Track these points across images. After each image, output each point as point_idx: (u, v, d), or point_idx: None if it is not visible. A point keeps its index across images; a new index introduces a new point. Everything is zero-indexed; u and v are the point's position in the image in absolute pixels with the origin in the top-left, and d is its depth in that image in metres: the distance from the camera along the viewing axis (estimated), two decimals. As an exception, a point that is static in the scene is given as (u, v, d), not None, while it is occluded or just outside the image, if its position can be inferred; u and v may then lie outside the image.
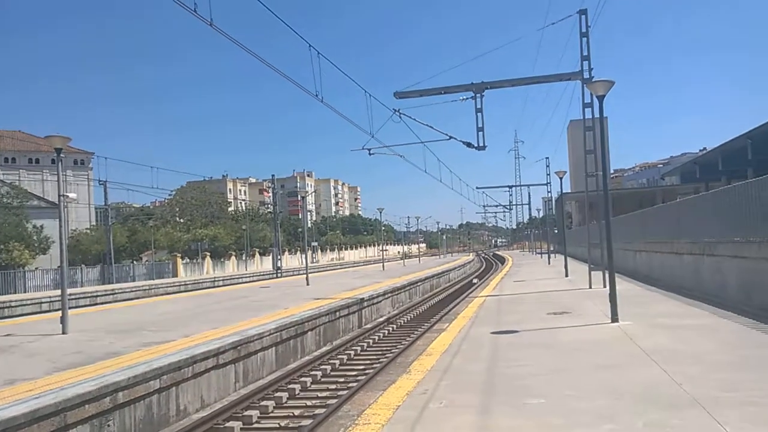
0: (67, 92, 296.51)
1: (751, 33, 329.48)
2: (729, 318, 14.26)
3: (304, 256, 50.23)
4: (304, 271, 40.09)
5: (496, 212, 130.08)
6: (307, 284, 35.12)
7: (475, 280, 47.29)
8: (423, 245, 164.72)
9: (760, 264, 15.87)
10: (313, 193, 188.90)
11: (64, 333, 16.74)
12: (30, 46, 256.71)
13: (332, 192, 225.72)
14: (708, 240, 19.89)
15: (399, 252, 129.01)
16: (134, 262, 74.70)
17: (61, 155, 17.26)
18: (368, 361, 16.72)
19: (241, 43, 16.27)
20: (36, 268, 56.55)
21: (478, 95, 24.89)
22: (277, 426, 11.08)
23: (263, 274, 71.37)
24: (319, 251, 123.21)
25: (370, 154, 29.71)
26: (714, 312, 15.40)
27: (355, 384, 13.58)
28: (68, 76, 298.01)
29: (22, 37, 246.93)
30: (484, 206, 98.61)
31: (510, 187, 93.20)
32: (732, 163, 41.34)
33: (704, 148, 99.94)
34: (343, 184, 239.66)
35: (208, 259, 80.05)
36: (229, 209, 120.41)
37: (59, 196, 18.05)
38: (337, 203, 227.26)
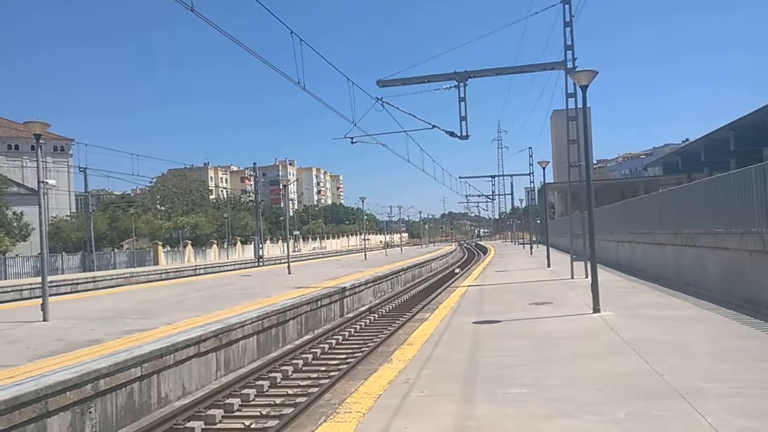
0: (43, 72, 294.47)
1: (745, 32, 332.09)
2: (710, 309, 14.33)
3: (285, 244, 50.10)
4: (286, 260, 40.01)
5: (478, 202, 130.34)
6: (289, 273, 35.08)
7: (457, 270, 47.38)
8: (405, 235, 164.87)
9: (741, 255, 15.98)
10: (295, 182, 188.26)
11: (44, 320, 16.63)
12: (6, 25, 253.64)
13: (314, 181, 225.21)
14: (690, 231, 20.00)
15: (381, 241, 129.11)
16: (115, 249, 74.29)
17: (41, 141, 17.06)
18: (350, 350, 16.71)
19: (224, 30, 16.13)
20: (16, 255, 56.14)
21: (462, 84, 24.88)
22: (259, 414, 11.04)
23: (245, 263, 71.23)
24: (301, 240, 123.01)
25: (352, 142, 29.71)
26: (696, 303, 15.47)
27: (336, 373, 13.57)
28: (44, 55, 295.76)
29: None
30: (466, 196, 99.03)
31: (493, 177, 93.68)
32: (715, 154, 41.58)
33: (687, 139, 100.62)
34: (326, 172, 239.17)
35: (189, 247, 79.69)
36: (211, 197, 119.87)
37: (39, 182, 17.87)
38: (319, 192, 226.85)
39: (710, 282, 18.40)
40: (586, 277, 20.65)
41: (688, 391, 7.49)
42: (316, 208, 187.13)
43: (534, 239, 66.91)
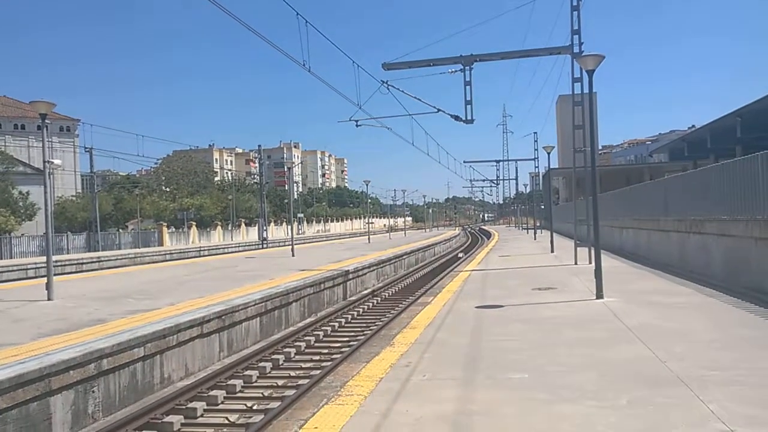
0: (49, 50, 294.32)
1: (745, 20, 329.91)
2: (714, 296, 14.32)
3: (290, 227, 50.14)
4: (290, 243, 40.05)
5: (483, 187, 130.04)
6: (293, 255, 35.13)
7: (460, 255, 47.38)
8: (409, 219, 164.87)
9: (746, 242, 15.92)
10: (300, 165, 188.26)
11: (49, 299, 16.69)
12: (13, 4, 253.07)
13: (319, 163, 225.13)
14: (695, 218, 19.93)
15: (385, 225, 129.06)
16: (120, 230, 74.47)
17: (47, 121, 17.07)
18: (352, 333, 16.74)
19: (229, 10, 16.05)
20: (22, 235, 56.29)
21: (467, 68, 24.78)
22: (261, 395, 11.08)
23: (249, 245, 71.33)
24: (305, 223, 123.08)
25: (357, 125, 29.63)
26: (699, 290, 15.45)
27: (338, 356, 13.61)
28: (50, 34, 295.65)
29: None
30: (471, 180, 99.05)
31: (497, 161, 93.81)
32: (721, 141, 41.41)
33: (693, 126, 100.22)
34: (330, 155, 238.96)
35: (194, 228, 79.79)
36: (216, 179, 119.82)
37: (44, 162, 17.87)
38: (323, 175, 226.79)
39: (714, 269, 18.35)
40: (590, 262, 20.62)
41: (691, 378, 7.48)
42: (321, 191, 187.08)
43: (538, 224, 66.74)
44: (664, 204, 24.08)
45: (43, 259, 22.93)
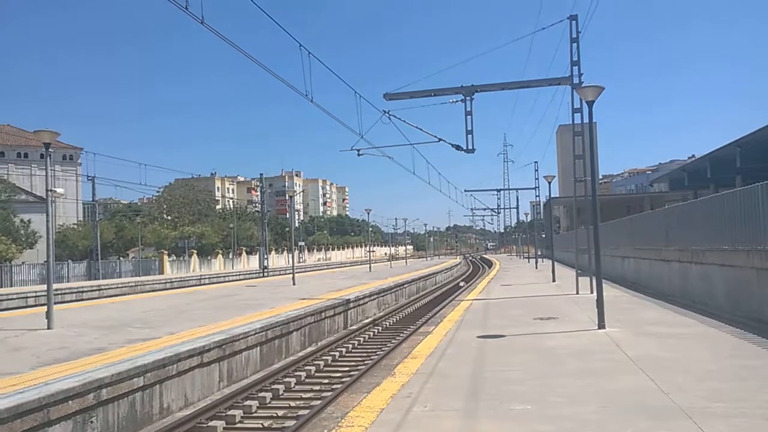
0: (52, 80, 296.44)
1: (749, 47, 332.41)
2: (716, 327, 14.26)
3: (291, 255, 50.11)
4: (291, 271, 39.99)
5: (484, 216, 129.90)
6: (294, 284, 35.05)
7: (461, 283, 47.27)
8: (410, 247, 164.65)
9: (747, 273, 15.91)
10: (301, 193, 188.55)
11: (49, 328, 16.64)
12: (10, 30, 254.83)
13: (320, 192, 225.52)
14: (696, 248, 19.94)
15: (386, 253, 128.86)
16: (121, 258, 74.33)
17: (50, 150, 17.15)
18: (353, 363, 16.65)
19: (232, 41, 16.18)
20: (23, 263, 56.15)
21: (468, 98, 24.93)
22: (261, 426, 11.00)
23: (250, 273, 71.19)
24: (306, 251, 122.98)
25: (359, 154, 29.71)
26: (702, 320, 15.39)
27: (339, 386, 13.52)
28: (53, 63, 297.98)
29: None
30: (472, 209, 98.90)
31: (498, 190, 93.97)
32: (721, 171, 41.49)
33: (693, 156, 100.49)
34: (332, 184, 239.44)
35: (194, 256, 79.73)
36: (217, 207, 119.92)
37: (47, 190, 17.93)
38: (324, 203, 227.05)
39: (716, 299, 18.32)
40: (592, 292, 20.58)
41: (694, 410, 7.43)
42: (322, 219, 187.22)
43: (539, 253, 66.72)
44: (665, 233, 24.10)
45: (44, 287, 22.89)
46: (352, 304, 24.41)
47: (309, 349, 18.53)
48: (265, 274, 67.02)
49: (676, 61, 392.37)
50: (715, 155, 40.94)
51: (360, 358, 17.28)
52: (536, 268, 52.19)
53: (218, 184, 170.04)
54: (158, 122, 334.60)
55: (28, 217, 60.11)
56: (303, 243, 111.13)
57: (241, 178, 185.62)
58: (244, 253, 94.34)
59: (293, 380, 14.27)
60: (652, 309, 18.60)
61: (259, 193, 76.51)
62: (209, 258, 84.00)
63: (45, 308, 17.50)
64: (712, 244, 18.60)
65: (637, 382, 9.10)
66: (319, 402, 12.10)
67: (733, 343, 12.12)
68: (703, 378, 9.18)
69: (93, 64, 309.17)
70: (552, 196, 66.10)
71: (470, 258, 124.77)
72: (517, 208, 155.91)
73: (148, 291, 45.63)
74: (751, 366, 9.97)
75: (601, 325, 14.46)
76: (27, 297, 38.98)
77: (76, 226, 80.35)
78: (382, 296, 30.19)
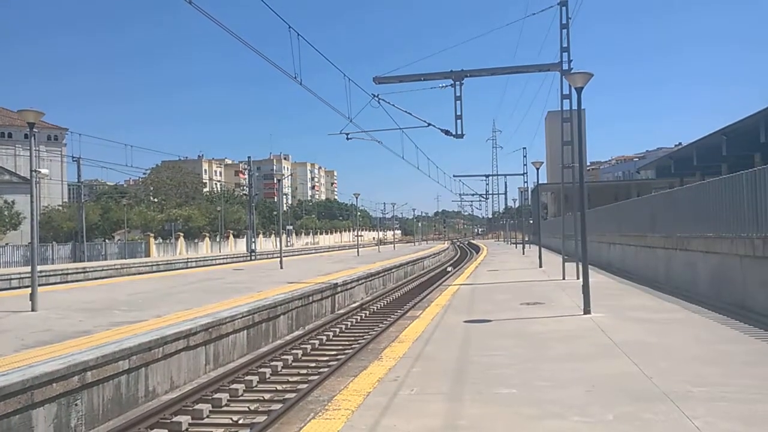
0: (37, 60, 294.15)
1: (743, 28, 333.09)
2: (700, 312, 14.37)
3: (278, 239, 50.07)
4: (279, 255, 39.98)
5: (472, 201, 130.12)
6: (281, 268, 35.03)
7: (449, 269, 47.39)
8: (398, 232, 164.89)
9: (731, 260, 16.02)
10: (290, 177, 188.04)
11: (33, 310, 16.56)
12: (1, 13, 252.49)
13: (309, 176, 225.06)
14: (681, 235, 20.04)
15: (374, 238, 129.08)
16: (106, 240, 74.06)
17: (35, 130, 16.97)
18: (340, 347, 16.68)
19: (220, 21, 16.06)
20: (6, 244, 55.90)
21: (458, 83, 24.87)
22: (247, 409, 11.00)
23: (237, 257, 71.14)
24: (294, 235, 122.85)
25: (348, 138, 29.65)
26: (686, 306, 15.50)
27: (326, 369, 13.55)
28: (39, 43, 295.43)
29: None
30: (460, 195, 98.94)
31: (487, 176, 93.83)
32: (707, 159, 41.66)
33: (679, 143, 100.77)
34: (320, 168, 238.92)
35: (181, 239, 79.50)
36: (204, 190, 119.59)
37: (31, 171, 17.78)
38: (313, 187, 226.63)
39: (700, 286, 18.44)
40: (578, 278, 20.66)
41: (677, 394, 7.50)
42: (310, 203, 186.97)
43: (526, 239, 66.89)
44: (651, 221, 24.21)
45: (28, 269, 22.79)
46: (339, 289, 24.43)
47: (296, 333, 18.55)
48: (253, 257, 66.97)
49: (665, 46, 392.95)
50: (702, 143, 41.09)
51: (347, 342, 17.31)
52: (523, 253, 52.36)
53: (206, 166, 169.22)
54: (146, 103, 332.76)
55: (12, 198, 59.81)
56: (291, 227, 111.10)
57: (229, 161, 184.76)
58: (231, 237, 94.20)
59: (280, 364, 14.28)
60: (637, 295, 18.71)
61: (247, 176, 76.38)
62: (196, 241, 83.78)
63: (29, 290, 17.43)
64: (696, 231, 18.70)
65: (621, 366, 9.16)
66: (306, 386, 12.12)
67: (716, 329, 12.22)
68: (686, 363, 9.26)
69: (78, 44, 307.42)
70: (540, 182, 66.21)
71: (458, 243, 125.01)
72: (506, 193, 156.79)
73: (134, 274, 45.54)
74: (733, 351, 10.07)
75: (587, 311, 14.53)
76: (11, 279, 38.86)
77: (61, 208, 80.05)
78: (370, 281, 30.23)
